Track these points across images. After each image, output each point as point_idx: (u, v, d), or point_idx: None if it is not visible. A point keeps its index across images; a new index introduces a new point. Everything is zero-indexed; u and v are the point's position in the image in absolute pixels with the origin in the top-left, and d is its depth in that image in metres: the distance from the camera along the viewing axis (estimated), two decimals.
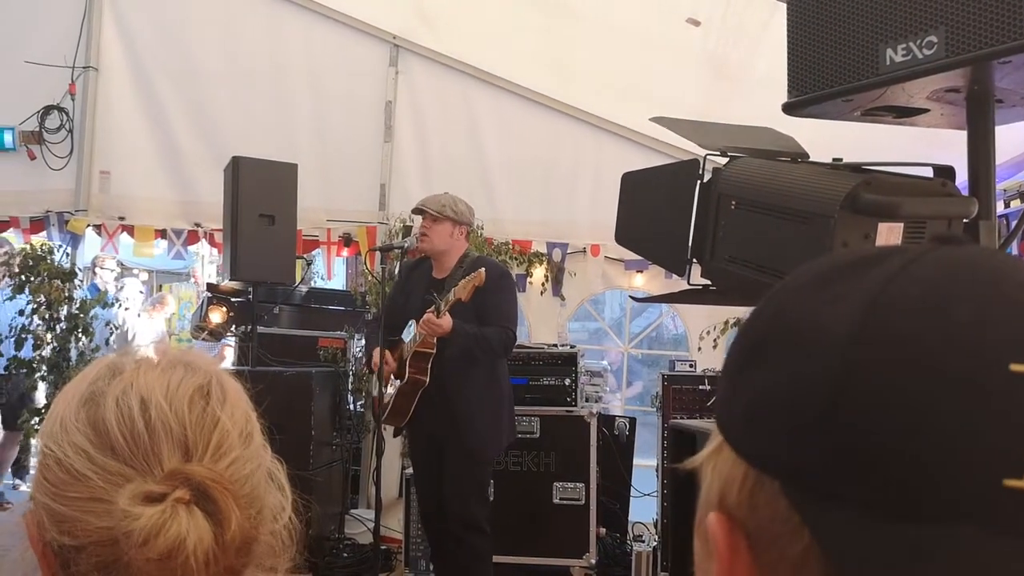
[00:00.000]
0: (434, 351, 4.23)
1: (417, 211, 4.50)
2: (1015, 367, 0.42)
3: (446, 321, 4.11)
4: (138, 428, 0.84)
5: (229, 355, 7.51)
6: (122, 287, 7.74)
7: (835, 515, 0.45)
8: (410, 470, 5.33)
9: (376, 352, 4.41)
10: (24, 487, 7.23)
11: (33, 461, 7.18)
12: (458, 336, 4.17)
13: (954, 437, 0.42)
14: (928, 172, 1.65)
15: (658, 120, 1.96)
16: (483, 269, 4.08)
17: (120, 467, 0.83)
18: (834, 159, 1.66)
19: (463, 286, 4.08)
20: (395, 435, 4.77)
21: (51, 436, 0.87)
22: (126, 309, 7.22)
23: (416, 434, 4.55)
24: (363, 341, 6.25)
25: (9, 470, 7.22)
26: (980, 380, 0.43)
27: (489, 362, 4.37)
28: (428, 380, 4.26)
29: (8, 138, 6.59)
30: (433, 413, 4.31)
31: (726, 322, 6.40)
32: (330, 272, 7.34)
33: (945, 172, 1.63)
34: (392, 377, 4.46)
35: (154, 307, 8.38)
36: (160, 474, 0.83)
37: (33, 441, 6.72)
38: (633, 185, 1.98)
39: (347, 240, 6.82)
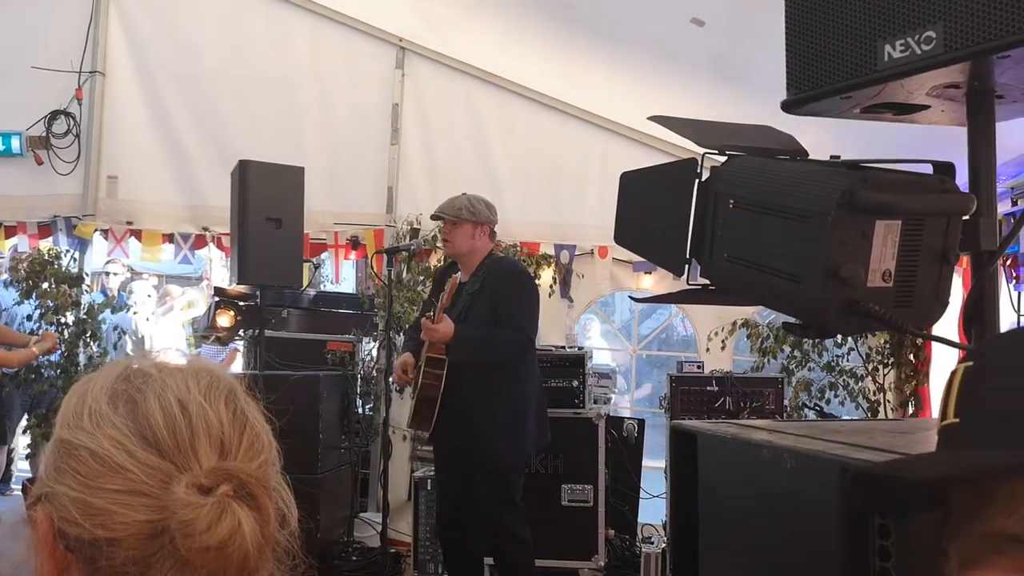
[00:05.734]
0: (446, 357, 4.16)
1: (435, 217, 4.47)
2: None
3: (443, 326, 4.03)
4: (180, 426, 0.87)
5: (238, 359, 7.48)
6: (131, 292, 7.70)
7: None
8: (419, 473, 5.32)
9: (397, 364, 4.40)
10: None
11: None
12: (462, 341, 4.09)
13: None
14: (928, 169, 1.63)
15: (656, 119, 1.94)
16: (458, 274, 4.08)
17: (161, 462, 0.85)
18: (831, 156, 1.64)
19: (447, 290, 4.06)
20: (428, 442, 4.74)
21: (80, 429, 0.88)
22: (135, 313, 7.20)
23: (440, 441, 4.47)
24: (371, 344, 6.27)
25: None
26: None
27: (511, 365, 4.27)
28: (443, 386, 4.16)
29: (15, 143, 6.62)
30: (454, 421, 4.20)
31: (734, 323, 6.37)
32: (338, 275, 7.34)
33: (944, 168, 1.61)
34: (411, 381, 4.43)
35: (162, 302, 8.25)
36: (199, 471, 0.85)
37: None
38: (631, 185, 1.97)
39: (355, 243, 6.81)
